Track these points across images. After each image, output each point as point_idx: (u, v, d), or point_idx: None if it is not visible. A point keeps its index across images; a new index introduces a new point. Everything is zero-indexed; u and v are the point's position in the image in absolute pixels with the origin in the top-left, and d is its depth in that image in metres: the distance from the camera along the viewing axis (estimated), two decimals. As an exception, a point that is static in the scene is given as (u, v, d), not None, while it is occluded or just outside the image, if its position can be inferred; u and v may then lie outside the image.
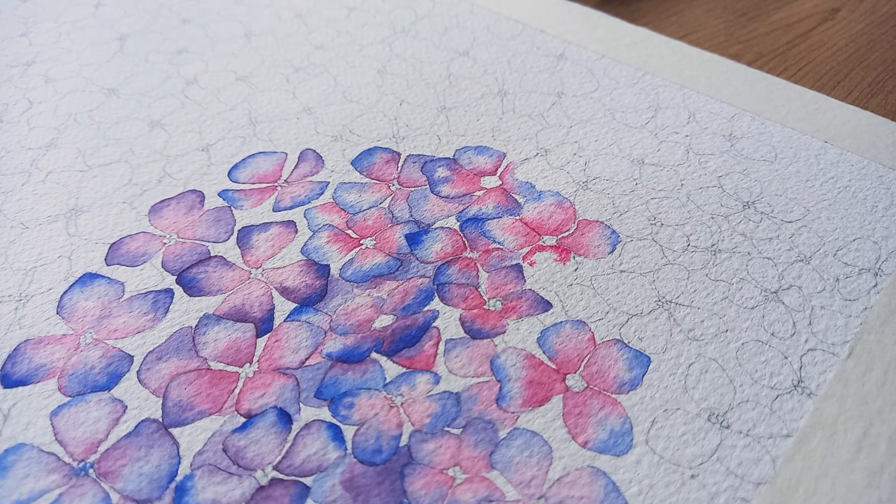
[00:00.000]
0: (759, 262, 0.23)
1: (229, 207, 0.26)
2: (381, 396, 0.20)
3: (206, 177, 0.27)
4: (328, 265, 0.23)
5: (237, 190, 0.26)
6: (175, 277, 0.23)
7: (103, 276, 0.23)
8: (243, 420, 0.19)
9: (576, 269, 0.23)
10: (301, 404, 0.20)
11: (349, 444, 0.19)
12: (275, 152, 0.28)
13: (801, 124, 0.28)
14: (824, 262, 0.23)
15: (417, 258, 0.24)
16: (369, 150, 0.28)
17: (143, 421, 0.19)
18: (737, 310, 0.22)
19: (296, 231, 0.25)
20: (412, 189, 0.26)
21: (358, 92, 0.31)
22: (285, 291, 0.23)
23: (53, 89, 0.32)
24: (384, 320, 0.22)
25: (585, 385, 0.20)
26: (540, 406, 0.19)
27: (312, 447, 0.19)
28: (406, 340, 0.21)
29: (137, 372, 0.21)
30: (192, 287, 0.23)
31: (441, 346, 0.21)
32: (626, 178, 0.26)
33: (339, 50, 0.33)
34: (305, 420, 0.19)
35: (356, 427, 0.19)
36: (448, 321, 0.22)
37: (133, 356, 0.21)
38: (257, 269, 0.23)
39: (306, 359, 0.21)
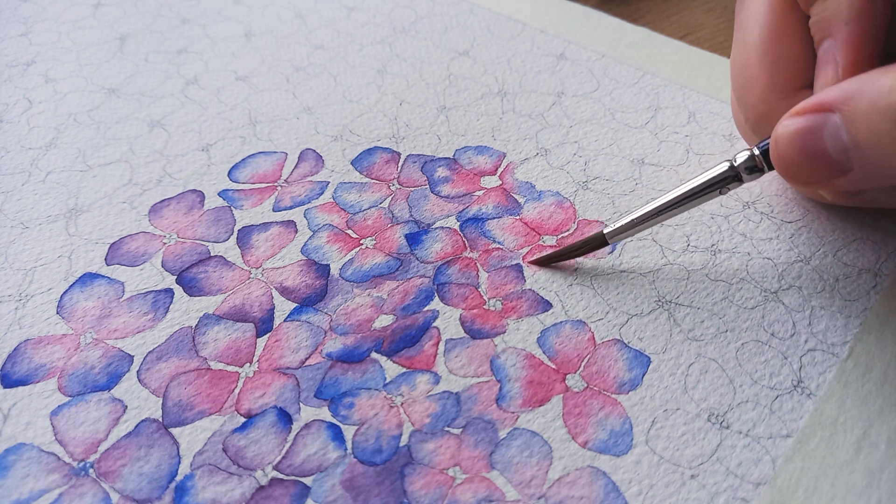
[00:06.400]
0: (759, 262, 0.23)
1: (229, 207, 0.26)
2: (381, 396, 0.20)
3: (206, 177, 0.27)
4: (328, 265, 0.23)
5: (237, 190, 0.26)
6: (175, 277, 0.23)
7: (103, 276, 0.23)
8: (243, 420, 0.19)
9: (576, 269, 0.23)
10: (301, 404, 0.20)
11: (349, 444, 0.19)
12: (275, 152, 0.28)
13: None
14: (824, 262, 0.23)
15: (417, 258, 0.24)
16: (369, 149, 0.28)
17: (143, 421, 0.19)
18: (737, 310, 0.22)
19: (296, 231, 0.25)
20: (412, 189, 0.26)
21: (358, 92, 0.31)
22: (285, 291, 0.23)
23: (53, 89, 0.32)
24: (384, 320, 0.22)
25: (585, 385, 0.20)
26: (540, 406, 0.19)
27: (312, 447, 0.19)
28: (406, 340, 0.21)
29: (137, 372, 0.21)
30: (192, 287, 0.23)
31: (441, 346, 0.21)
32: (627, 178, 0.26)
33: (339, 50, 0.33)
34: (305, 420, 0.19)
35: (356, 427, 0.19)
36: (448, 321, 0.22)
37: (133, 356, 0.21)
38: (257, 268, 0.24)
39: (306, 359, 0.21)
